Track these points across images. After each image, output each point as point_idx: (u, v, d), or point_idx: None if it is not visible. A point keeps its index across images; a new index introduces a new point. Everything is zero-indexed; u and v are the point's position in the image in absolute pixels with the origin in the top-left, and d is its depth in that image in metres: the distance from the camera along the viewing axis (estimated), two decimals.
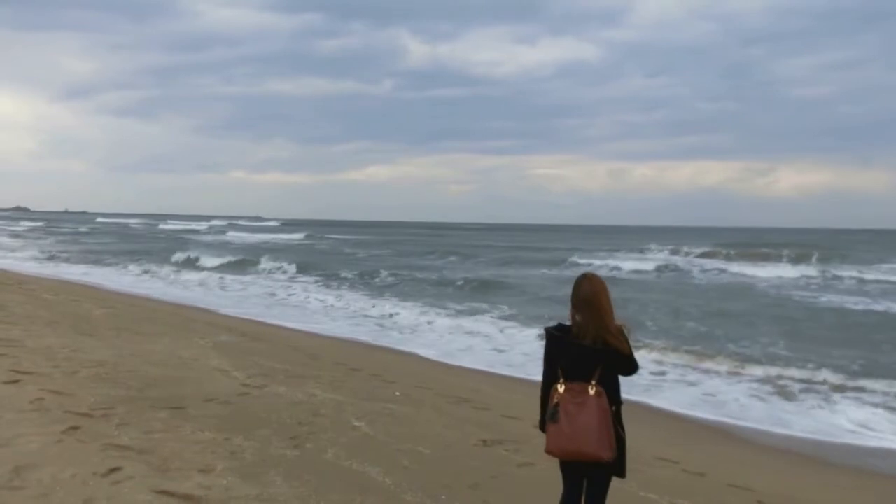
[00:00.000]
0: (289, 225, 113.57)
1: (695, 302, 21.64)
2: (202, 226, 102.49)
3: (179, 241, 55.48)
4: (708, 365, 11.82)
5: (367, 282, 26.57)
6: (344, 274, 28.65)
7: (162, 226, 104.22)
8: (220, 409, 7.05)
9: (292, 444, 6.04)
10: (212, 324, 14.11)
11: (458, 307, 19.02)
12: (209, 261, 32.98)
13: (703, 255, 41.95)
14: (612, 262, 35.68)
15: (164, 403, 7.01)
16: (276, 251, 42.56)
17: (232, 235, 73.01)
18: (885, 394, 10.04)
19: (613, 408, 3.52)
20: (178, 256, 34.63)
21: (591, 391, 3.47)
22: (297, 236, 71.00)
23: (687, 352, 12.79)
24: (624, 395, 3.70)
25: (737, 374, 11.26)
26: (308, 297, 21.66)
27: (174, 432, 6.11)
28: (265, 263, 31.80)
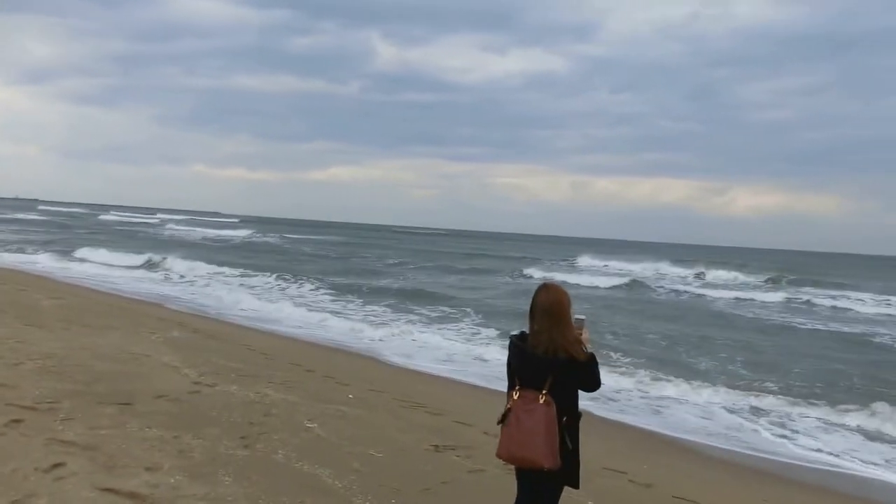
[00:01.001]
0: (246, 222, 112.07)
1: (654, 316, 22.04)
2: (152, 219, 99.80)
3: (107, 232, 54.95)
4: (661, 380, 12.01)
5: (278, 282, 25.55)
6: (259, 273, 27.72)
7: (103, 216, 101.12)
8: (169, 406, 6.94)
9: (242, 443, 5.98)
10: (164, 319, 13.87)
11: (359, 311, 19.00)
12: (98, 255, 31.07)
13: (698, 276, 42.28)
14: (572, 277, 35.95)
15: (111, 399, 6.88)
16: (192, 247, 41.82)
17: (172, 229, 71.59)
18: (834, 413, 10.37)
19: (564, 418, 3.51)
20: (84, 250, 32.56)
21: (541, 400, 3.50)
22: (243, 233, 69.71)
23: (642, 366, 13.00)
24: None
25: (689, 388, 11.47)
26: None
27: (121, 429, 6.00)
28: (154, 258, 30.57)
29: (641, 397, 10.83)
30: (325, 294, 22.72)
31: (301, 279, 26.16)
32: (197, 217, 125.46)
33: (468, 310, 19.76)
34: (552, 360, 3.53)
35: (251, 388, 8.14)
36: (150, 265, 28.72)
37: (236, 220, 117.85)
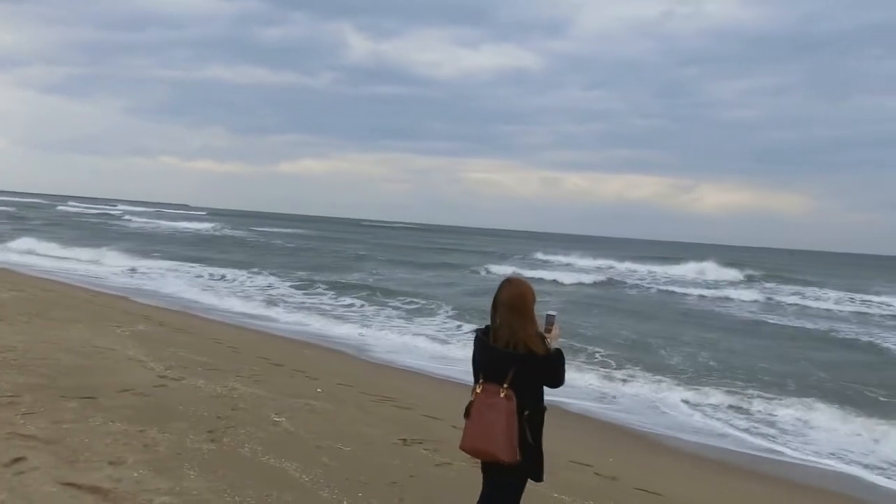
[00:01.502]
0: (214, 215, 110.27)
1: (622, 310, 22.27)
2: (113, 210, 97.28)
3: (63, 224, 54.08)
4: (628, 373, 12.16)
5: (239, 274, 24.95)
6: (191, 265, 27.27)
7: (61, 207, 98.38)
8: (134, 400, 6.87)
9: (209, 437, 5.94)
10: (129, 312, 13.68)
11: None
12: (43, 246, 30.15)
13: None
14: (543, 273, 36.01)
15: (75, 393, 6.79)
16: (147, 240, 41.15)
17: (130, 221, 69.96)
18: (793, 406, 10.58)
19: (526, 413, 3.53)
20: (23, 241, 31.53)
21: (502, 394, 3.53)
22: (206, 226, 67.96)
23: (610, 359, 13.14)
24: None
25: (657, 382, 11.63)
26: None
27: (84, 423, 5.92)
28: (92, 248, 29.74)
29: (609, 390, 10.94)
30: (288, 287, 22.48)
31: (261, 272, 25.88)
32: (163, 209, 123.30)
33: (437, 304, 19.77)
34: (512, 355, 3.55)
35: (218, 381, 8.08)
36: (96, 258, 27.53)
37: (203, 213, 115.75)
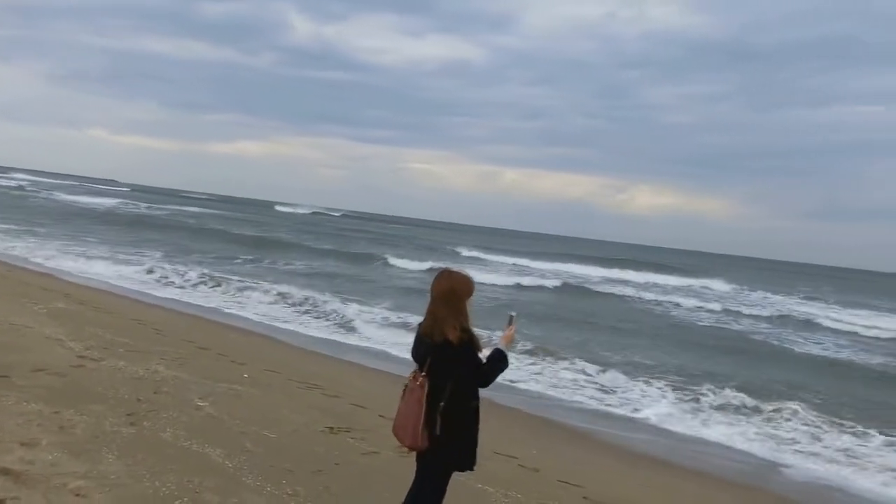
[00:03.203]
0: (138, 191, 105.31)
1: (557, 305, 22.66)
2: (7, 181, 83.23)
3: None
4: (554, 366, 12.41)
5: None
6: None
7: None
8: (50, 380, 6.62)
9: (129, 420, 5.78)
10: (48, 289, 13.16)
11: None
12: None
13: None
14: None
15: None
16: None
17: (25, 192, 63.02)
18: (717, 396, 11.14)
19: (441, 404, 3.58)
20: None
21: (418, 381, 3.64)
22: (110, 201, 61.66)
23: (539, 351, 13.37)
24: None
25: (582, 374, 11.96)
26: None
27: None
28: None
29: (536, 383, 11.14)
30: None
31: (141, 251, 24.83)
32: (83, 183, 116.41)
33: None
34: (429, 343, 3.66)
35: (140, 363, 7.86)
36: None
37: (127, 189, 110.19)
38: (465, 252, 47.13)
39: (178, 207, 69.21)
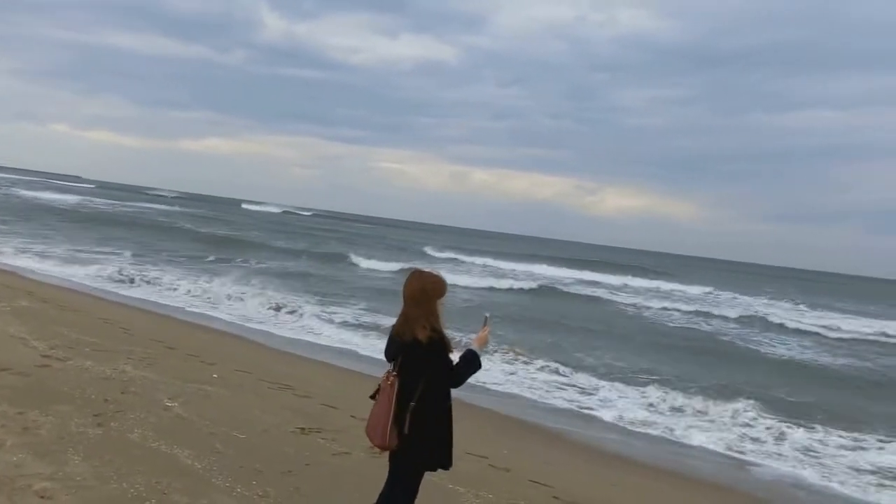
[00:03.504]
0: (104, 188, 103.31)
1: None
2: None
3: None
4: (527, 367, 12.49)
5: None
6: None
7: None
8: (14, 380, 6.49)
9: (96, 421, 5.69)
10: (10, 286, 12.90)
11: None
12: None
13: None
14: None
15: None
16: None
17: None
18: (686, 397, 11.31)
19: (412, 405, 3.59)
20: None
21: (389, 381, 3.66)
22: (71, 198, 59.67)
23: (512, 352, 13.44)
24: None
25: (555, 375, 12.08)
26: None
27: None
28: None
29: (509, 382, 11.19)
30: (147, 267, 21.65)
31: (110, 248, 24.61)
32: (47, 180, 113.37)
33: (334, 294, 19.61)
34: (399, 343, 3.69)
35: (108, 363, 7.74)
36: None
37: (92, 186, 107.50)
38: (437, 253, 47.03)
39: (145, 205, 68.17)
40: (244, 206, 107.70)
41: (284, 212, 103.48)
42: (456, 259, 43.85)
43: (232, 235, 40.28)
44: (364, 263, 32.25)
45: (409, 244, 56.05)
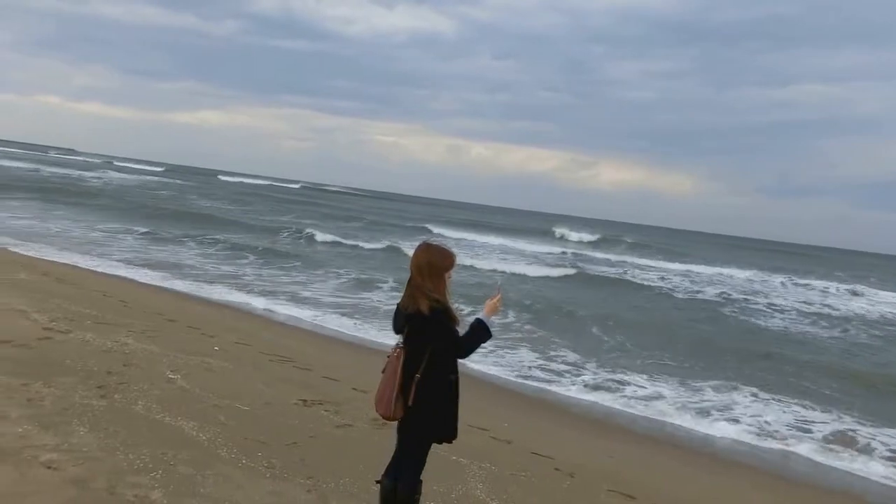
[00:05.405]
0: (93, 158, 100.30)
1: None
2: None
3: None
4: (525, 344, 12.53)
5: None
6: None
7: None
8: (16, 352, 6.49)
9: (99, 393, 5.70)
10: (8, 261, 12.86)
11: None
12: None
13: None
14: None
15: None
16: None
17: None
18: (679, 373, 11.28)
19: (417, 376, 3.62)
20: None
21: (395, 353, 3.69)
22: (61, 171, 57.12)
23: (511, 330, 13.48)
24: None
25: (552, 350, 12.09)
26: None
27: None
28: None
29: (510, 357, 11.25)
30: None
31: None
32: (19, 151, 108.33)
33: (337, 269, 19.63)
34: (404, 314, 3.71)
35: (109, 336, 7.74)
36: None
37: (82, 159, 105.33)
38: (434, 228, 46.49)
39: (130, 176, 66.77)
40: (221, 177, 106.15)
41: (270, 184, 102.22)
42: (464, 238, 41.70)
43: (181, 209, 36.51)
44: (323, 237, 29.61)
45: (402, 220, 55.60)
